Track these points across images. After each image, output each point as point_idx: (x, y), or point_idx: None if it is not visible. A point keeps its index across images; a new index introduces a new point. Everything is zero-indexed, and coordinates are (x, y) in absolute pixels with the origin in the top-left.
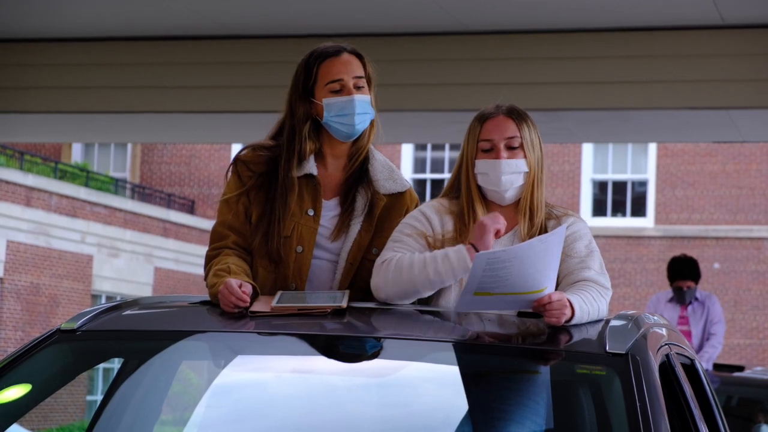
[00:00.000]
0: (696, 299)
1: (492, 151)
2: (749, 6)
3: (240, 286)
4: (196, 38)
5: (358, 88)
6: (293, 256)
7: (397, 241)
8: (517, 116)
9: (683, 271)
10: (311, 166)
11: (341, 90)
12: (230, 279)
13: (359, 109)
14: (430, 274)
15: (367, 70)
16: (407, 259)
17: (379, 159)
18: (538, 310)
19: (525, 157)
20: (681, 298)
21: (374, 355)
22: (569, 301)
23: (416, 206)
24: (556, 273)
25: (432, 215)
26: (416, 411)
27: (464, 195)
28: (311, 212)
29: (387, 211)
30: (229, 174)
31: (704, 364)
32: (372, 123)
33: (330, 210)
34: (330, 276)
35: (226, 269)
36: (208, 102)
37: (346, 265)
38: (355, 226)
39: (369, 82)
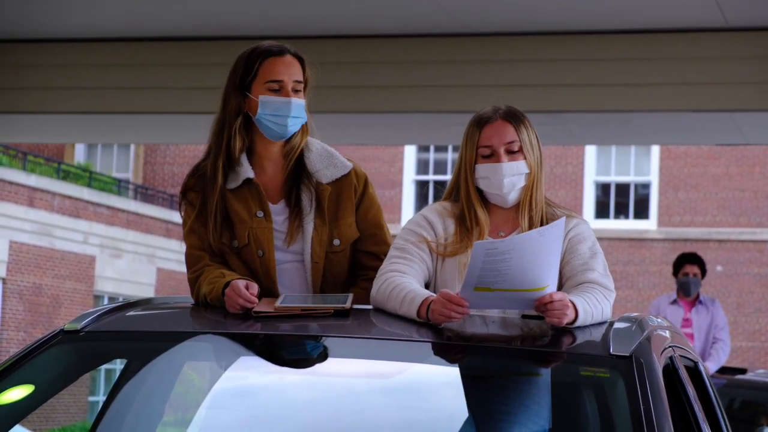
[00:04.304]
0: (701, 302)
1: (492, 157)
2: (753, 9)
3: (246, 287)
4: (199, 39)
5: (295, 91)
6: (257, 261)
7: (399, 249)
8: (515, 119)
9: (691, 258)
10: (246, 170)
11: (279, 90)
12: (236, 280)
13: (294, 113)
14: (399, 312)
15: (306, 74)
16: (391, 287)
17: (315, 149)
18: (539, 309)
19: (525, 159)
20: (686, 289)
21: (377, 357)
22: (573, 303)
23: (365, 181)
24: (557, 271)
25: (435, 219)
26: (420, 413)
27: (464, 199)
28: (260, 214)
29: (336, 198)
30: (182, 206)
31: (712, 367)
32: (305, 126)
33: (279, 214)
34: (301, 277)
35: (219, 275)
36: (211, 103)
37: (313, 264)
38: (309, 225)
39: (305, 87)
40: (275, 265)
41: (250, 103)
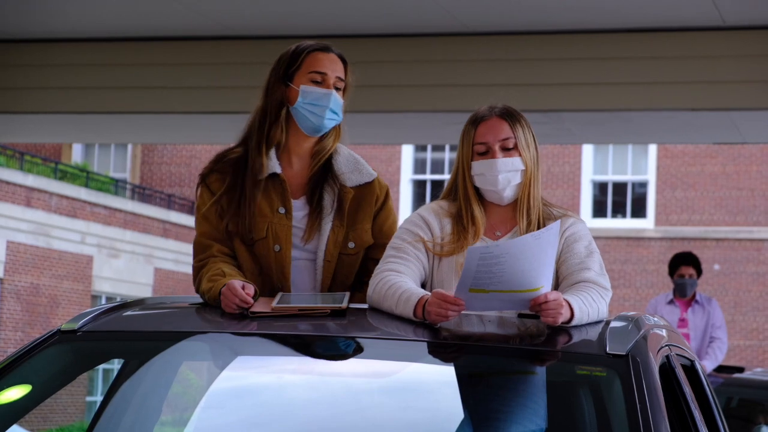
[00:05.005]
0: (697, 301)
1: (487, 154)
2: (750, 7)
3: (243, 288)
4: (197, 39)
5: (336, 88)
6: (272, 256)
7: (395, 248)
8: (511, 117)
9: (686, 259)
10: (274, 165)
11: (322, 83)
12: (233, 280)
13: (333, 106)
14: (395, 311)
15: (347, 78)
16: (387, 286)
17: (343, 153)
18: (534, 309)
19: (520, 155)
20: (682, 290)
21: (374, 356)
22: (568, 302)
23: (386, 193)
24: (552, 272)
25: (431, 218)
26: (417, 412)
27: (461, 197)
28: (282, 210)
29: (357, 203)
30: (199, 190)
31: (709, 366)
32: (338, 128)
33: (299, 209)
34: (310, 275)
35: (220, 273)
36: (208, 102)
37: (325, 263)
38: (327, 224)
39: (345, 90)
40: (290, 262)
41: (290, 92)
